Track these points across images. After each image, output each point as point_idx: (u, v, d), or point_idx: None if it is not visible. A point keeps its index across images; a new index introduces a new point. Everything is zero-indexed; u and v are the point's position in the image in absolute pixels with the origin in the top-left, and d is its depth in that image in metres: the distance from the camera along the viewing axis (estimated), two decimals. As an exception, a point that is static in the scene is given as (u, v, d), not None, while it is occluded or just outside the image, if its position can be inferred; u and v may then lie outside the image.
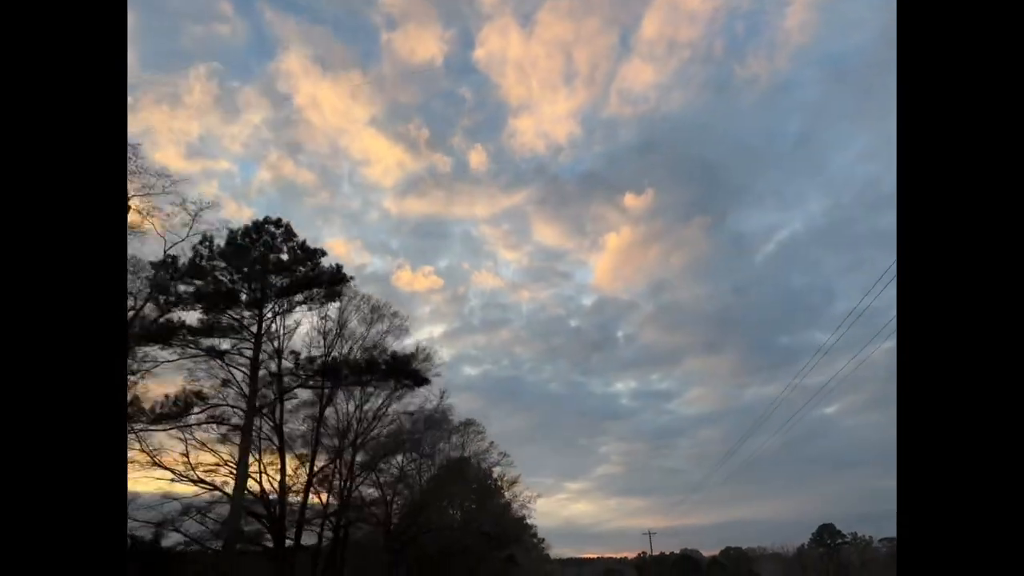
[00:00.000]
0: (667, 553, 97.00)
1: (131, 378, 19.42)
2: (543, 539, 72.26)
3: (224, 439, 22.87)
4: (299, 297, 23.58)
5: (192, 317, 21.66)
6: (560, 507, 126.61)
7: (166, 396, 21.58)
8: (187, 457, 21.84)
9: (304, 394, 25.70)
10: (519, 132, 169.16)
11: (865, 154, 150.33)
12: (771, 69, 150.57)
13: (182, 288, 21.21)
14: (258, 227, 23.21)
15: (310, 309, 24.34)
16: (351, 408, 27.72)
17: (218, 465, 22.63)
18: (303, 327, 25.52)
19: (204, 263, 21.40)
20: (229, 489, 21.67)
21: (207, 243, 21.59)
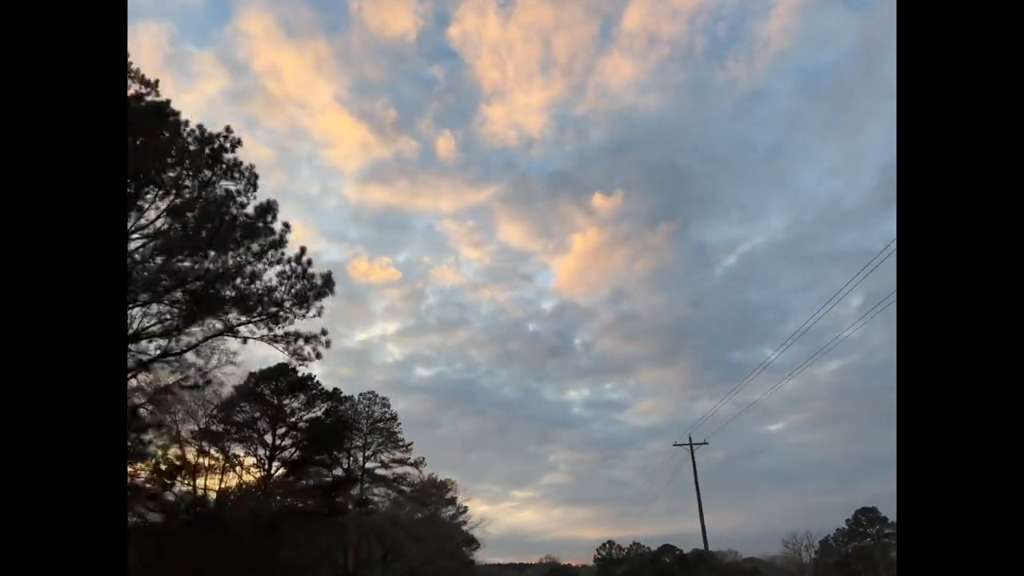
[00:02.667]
0: (639, 546, 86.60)
1: None
2: (466, 509, 52.94)
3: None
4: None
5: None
6: (505, 515, 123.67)
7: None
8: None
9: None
10: (490, 121, 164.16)
11: (831, 171, 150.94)
12: (750, 73, 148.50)
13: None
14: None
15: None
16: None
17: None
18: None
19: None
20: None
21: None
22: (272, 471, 30.62)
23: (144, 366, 18.98)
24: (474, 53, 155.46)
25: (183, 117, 17.10)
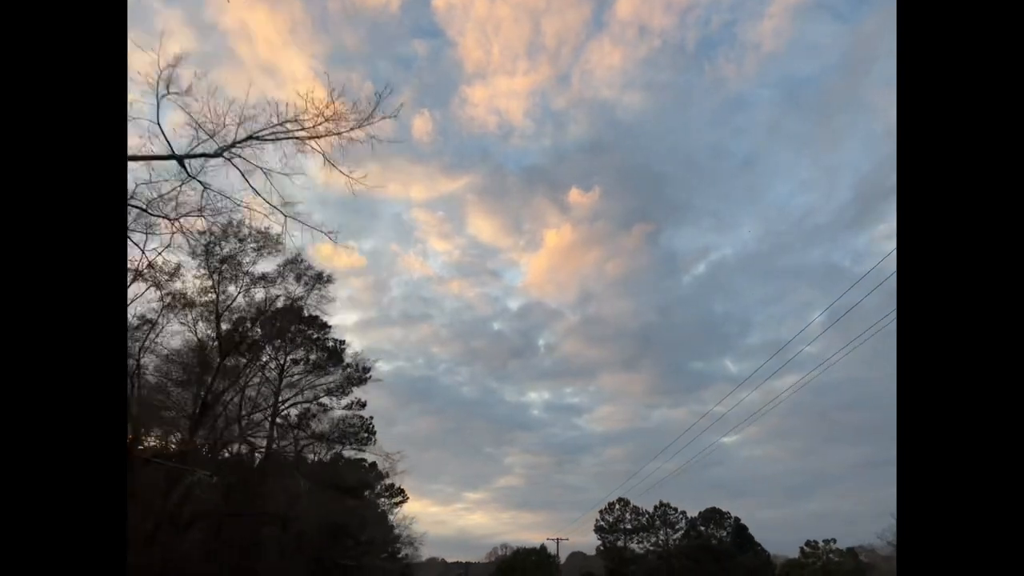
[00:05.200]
0: (670, 508, 64.80)
1: None
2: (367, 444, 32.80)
3: None
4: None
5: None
6: (456, 517, 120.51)
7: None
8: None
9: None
10: (470, 103, 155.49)
11: (805, 185, 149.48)
12: (739, 73, 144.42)
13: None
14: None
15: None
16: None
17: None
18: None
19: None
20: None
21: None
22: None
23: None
24: (459, 28, 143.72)
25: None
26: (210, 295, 23.58)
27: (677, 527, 63.75)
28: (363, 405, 33.07)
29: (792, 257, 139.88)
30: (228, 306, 24.39)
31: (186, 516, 23.42)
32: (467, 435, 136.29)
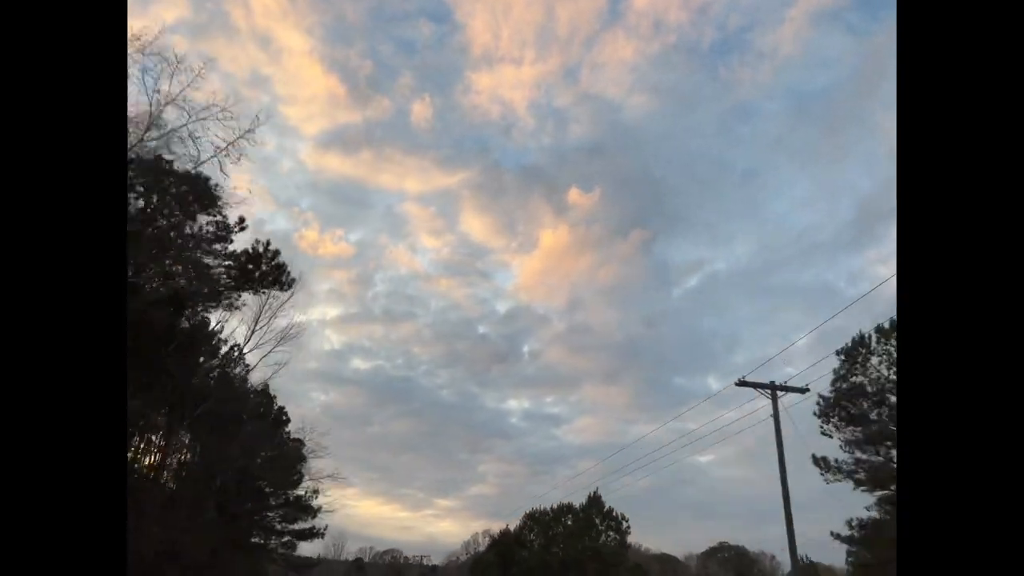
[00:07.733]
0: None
1: None
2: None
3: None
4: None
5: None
6: (425, 523, 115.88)
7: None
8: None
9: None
10: (474, 90, 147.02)
11: (805, 201, 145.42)
12: (754, 77, 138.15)
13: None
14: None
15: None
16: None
17: None
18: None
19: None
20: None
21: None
22: None
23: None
24: (468, 10, 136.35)
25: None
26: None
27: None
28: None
29: (786, 275, 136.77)
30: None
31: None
32: (443, 440, 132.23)
